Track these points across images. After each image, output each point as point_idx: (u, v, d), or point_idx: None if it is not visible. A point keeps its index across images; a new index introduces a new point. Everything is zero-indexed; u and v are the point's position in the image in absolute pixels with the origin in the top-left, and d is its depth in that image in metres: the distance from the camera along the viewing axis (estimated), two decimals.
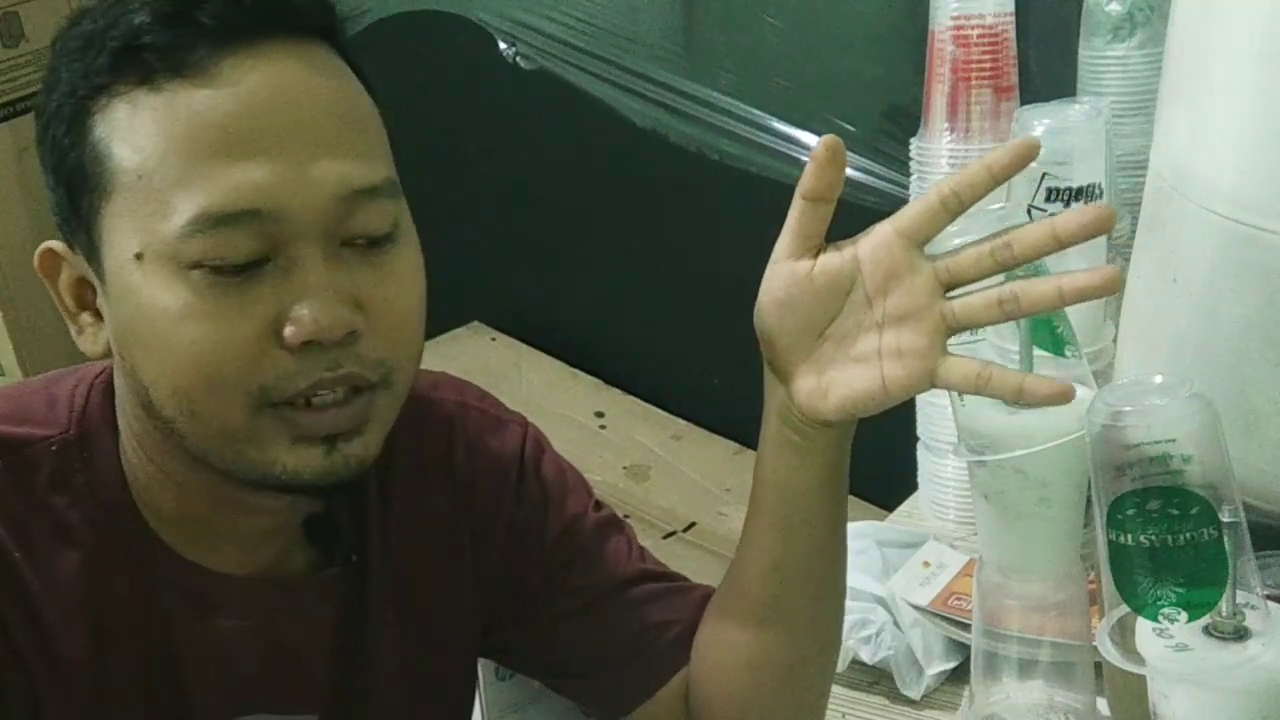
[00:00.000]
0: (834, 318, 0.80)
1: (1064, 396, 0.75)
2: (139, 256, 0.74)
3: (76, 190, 0.76)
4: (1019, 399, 0.77)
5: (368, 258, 0.76)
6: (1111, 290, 0.76)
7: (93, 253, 0.77)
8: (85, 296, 0.80)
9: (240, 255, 0.72)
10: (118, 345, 0.78)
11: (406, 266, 0.78)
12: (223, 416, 0.74)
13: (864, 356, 0.79)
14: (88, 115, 0.75)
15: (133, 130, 0.73)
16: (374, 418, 0.77)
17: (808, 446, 0.84)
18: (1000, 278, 0.78)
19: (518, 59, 2.18)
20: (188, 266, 0.72)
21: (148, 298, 0.74)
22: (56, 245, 0.80)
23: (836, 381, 0.81)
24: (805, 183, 0.79)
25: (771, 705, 0.92)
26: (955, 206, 0.77)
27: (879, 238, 0.79)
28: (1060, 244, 0.76)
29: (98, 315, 0.79)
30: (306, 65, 0.75)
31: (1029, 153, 0.77)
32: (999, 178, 0.77)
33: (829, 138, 0.79)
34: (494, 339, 2.33)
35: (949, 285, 0.78)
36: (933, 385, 0.78)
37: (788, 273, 0.81)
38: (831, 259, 0.80)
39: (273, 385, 0.74)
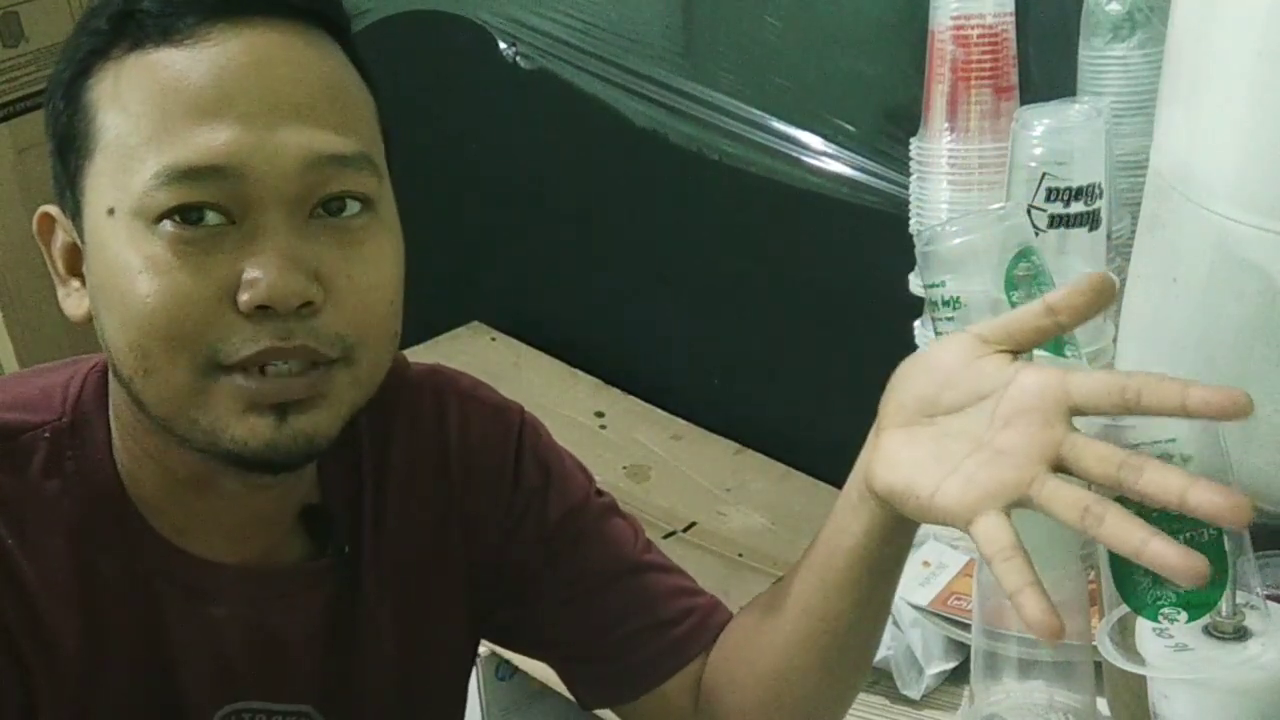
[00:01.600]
0: (955, 411, 0.75)
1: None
2: (111, 212, 0.75)
3: (66, 152, 0.78)
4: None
5: (336, 234, 0.77)
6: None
7: (77, 213, 0.79)
8: (75, 262, 0.81)
9: (202, 206, 0.73)
10: (92, 305, 0.79)
11: (378, 247, 0.78)
12: (173, 376, 0.75)
13: (944, 459, 0.74)
14: (85, 79, 0.77)
15: (118, 92, 0.75)
16: (330, 394, 0.77)
17: (859, 510, 0.82)
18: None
19: (518, 59, 2.18)
20: (154, 220, 0.74)
21: (114, 253, 0.75)
22: (52, 209, 0.82)
23: (905, 461, 0.76)
24: (1055, 296, 0.75)
25: (799, 709, 0.92)
26: (1135, 404, 0.70)
27: (1045, 379, 0.73)
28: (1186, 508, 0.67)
29: (84, 280, 0.81)
30: (292, 39, 0.77)
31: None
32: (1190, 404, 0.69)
33: (1103, 276, 0.74)
34: (494, 339, 2.33)
35: (1059, 464, 0.71)
36: (968, 530, 0.72)
37: (964, 345, 0.76)
38: (998, 364, 0.75)
39: (221, 347, 0.74)
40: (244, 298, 0.74)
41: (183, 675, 0.85)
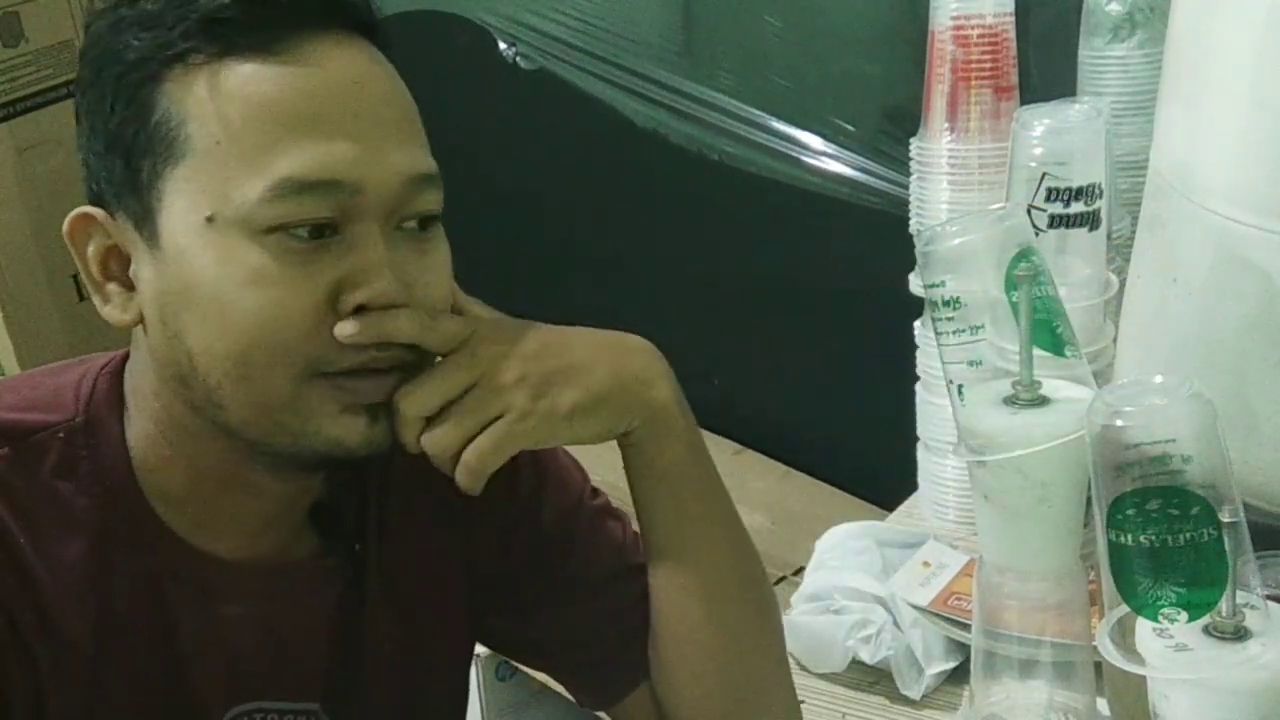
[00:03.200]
0: None
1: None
2: (210, 220, 0.76)
3: (136, 156, 0.78)
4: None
5: (415, 243, 0.81)
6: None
7: (144, 217, 0.78)
8: (112, 267, 0.81)
9: (315, 221, 0.76)
10: (161, 312, 0.79)
11: (443, 256, 0.83)
12: (272, 383, 0.77)
13: None
14: (157, 84, 0.77)
15: (213, 99, 0.76)
16: None
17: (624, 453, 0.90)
18: None
19: (518, 59, 2.18)
20: (262, 231, 0.76)
21: (211, 261, 0.76)
22: (94, 211, 0.81)
23: None
24: None
25: (700, 672, 0.92)
26: None
27: None
28: None
29: (125, 285, 0.81)
30: (373, 58, 0.81)
31: None
32: None
33: None
34: None
35: None
36: None
37: None
38: None
39: (323, 356, 0.77)
40: (350, 300, 0.76)
41: (193, 675, 0.85)
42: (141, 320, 0.80)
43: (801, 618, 1.20)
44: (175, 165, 0.77)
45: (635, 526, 0.99)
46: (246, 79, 0.76)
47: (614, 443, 0.90)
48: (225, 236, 0.76)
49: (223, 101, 0.76)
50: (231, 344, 0.76)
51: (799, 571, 1.33)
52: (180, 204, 0.77)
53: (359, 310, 0.77)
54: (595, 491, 1.00)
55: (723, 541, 0.93)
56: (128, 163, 0.78)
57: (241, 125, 0.76)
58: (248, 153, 0.75)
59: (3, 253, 2.22)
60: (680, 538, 0.91)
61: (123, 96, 0.78)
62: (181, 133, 0.76)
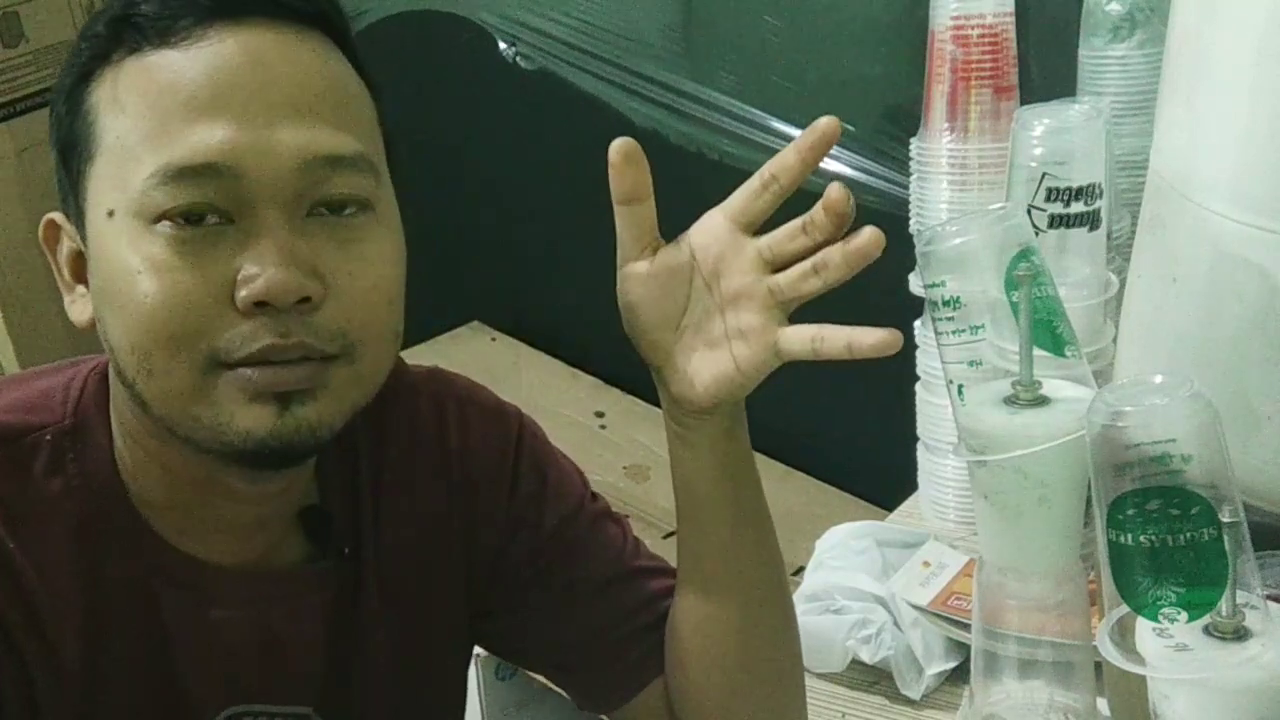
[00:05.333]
0: (685, 308, 0.84)
1: (889, 345, 0.80)
2: (111, 214, 0.75)
3: (69, 158, 0.79)
4: (850, 354, 0.80)
5: (334, 231, 0.77)
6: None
7: (80, 217, 0.79)
8: (80, 268, 0.81)
9: (200, 208, 0.74)
10: (96, 310, 0.79)
11: (377, 246, 0.79)
12: (175, 375, 0.75)
13: (715, 340, 0.83)
14: (85, 85, 0.78)
15: (116, 96, 0.76)
16: (330, 387, 0.77)
17: (694, 438, 0.87)
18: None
19: (518, 59, 2.18)
20: (152, 220, 0.74)
21: (115, 254, 0.75)
22: (57, 216, 0.82)
23: (698, 368, 0.84)
24: (614, 189, 0.87)
25: (728, 674, 0.92)
26: (775, 189, 0.83)
27: (707, 223, 0.85)
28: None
29: (89, 286, 0.80)
30: (289, 39, 0.77)
31: (829, 132, 0.81)
32: (807, 159, 0.82)
33: (622, 142, 0.86)
34: (494, 339, 2.33)
35: (772, 262, 0.82)
36: (778, 359, 0.82)
37: (630, 276, 0.87)
38: (668, 253, 0.86)
39: (223, 346, 0.74)
40: (241, 294, 0.74)
41: (184, 677, 0.84)
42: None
43: (802, 618, 1.20)
44: (91, 163, 0.77)
45: (643, 529, 0.99)
46: (144, 70, 0.76)
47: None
48: (125, 229, 0.75)
49: (122, 95, 0.76)
50: (137, 337, 0.75)
51: (799, 571, 1.33)
52: (94, 201, 0.77)
53: (260, 307, 0.74)
54: (595, 495, 1.00)
55: (765, 541, 0.93)
56: (66, 166, 0.79)
57: (136, 116, 0.75)
58: (141, 143, 0.75)
59: (3, 253, 2.22)
60: (728, 525, 0.91)
61: (61, 100, 0.79)
62: (94, 130, 0.77)
